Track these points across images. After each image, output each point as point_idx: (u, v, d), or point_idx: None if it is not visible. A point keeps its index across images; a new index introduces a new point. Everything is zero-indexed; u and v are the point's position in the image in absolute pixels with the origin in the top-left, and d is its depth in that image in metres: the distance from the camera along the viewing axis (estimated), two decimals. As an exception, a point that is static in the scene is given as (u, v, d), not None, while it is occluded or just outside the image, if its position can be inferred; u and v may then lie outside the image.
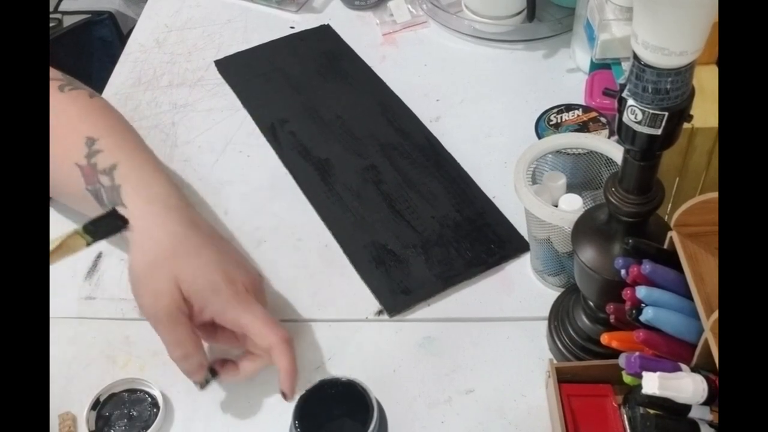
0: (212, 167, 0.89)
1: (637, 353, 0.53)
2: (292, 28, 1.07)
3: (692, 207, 0.55)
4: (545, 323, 0.71)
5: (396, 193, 0.83)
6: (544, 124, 0.80)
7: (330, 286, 0.76)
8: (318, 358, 0.70)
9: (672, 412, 0.51)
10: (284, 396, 0.63)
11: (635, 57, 0.49)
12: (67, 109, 0.73)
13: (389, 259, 0.77)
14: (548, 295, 0.73)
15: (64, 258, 0.71)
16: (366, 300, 0.75)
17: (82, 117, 0.73)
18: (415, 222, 0.80)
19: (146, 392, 0.68)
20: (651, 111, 0.50)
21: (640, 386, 0.51)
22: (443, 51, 1.02)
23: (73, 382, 0.70)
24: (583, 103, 0.84)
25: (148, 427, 0.65)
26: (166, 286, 0.63)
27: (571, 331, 0.67)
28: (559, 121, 0.80)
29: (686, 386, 0.50)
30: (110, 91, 0.99)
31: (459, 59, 1.01)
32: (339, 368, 0.70)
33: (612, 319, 0.58)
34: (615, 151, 0.69)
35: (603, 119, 0.79)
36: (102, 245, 0.79)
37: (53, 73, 0.76)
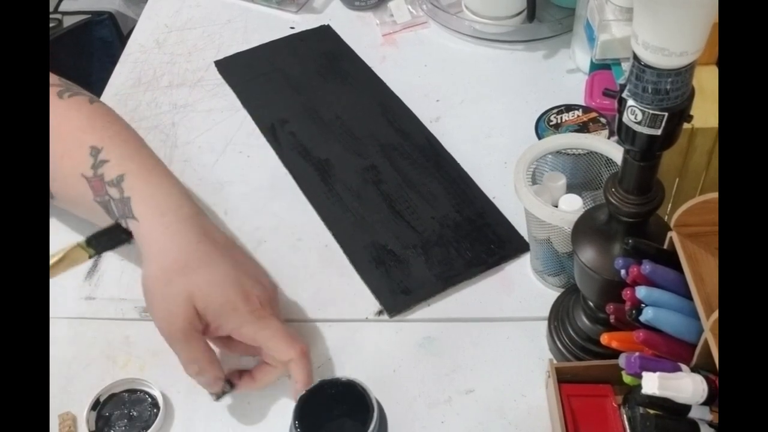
0: (212, 167, 0.89)
1: (637, 353, 0.53)
2: (292, 28, 1.07)
3: (692, 207, 0.55)
4: (545, 323, 0.71)
5: (396, 193, 0.83)
6: (544, 125, 0.80)
7: (330, 286, 0.76)
8: (318, 358, 0.70)
9: (672, 412, 0.51)
10: None
11: (635, 57, 0.49)
12: (68, 118, 0.71)
13: (389, 259, 0.77)
14: (548, 295, 0.73)
15: (67, 270, 0.72)
16: (366, 300, 0.75)
17: (84, 125, 0.71)
18: (415, 222, 0.80)
19: (146, 392, 0.68)
20: (651, 111, 0.50)
21: (640, 386, 0.51)
22: (443, 51, 1.02)
23: (73, 382, 0.70)
24: (583, 104, 0.84)
25: (148, 427, 0.65)
26: (180, 305, 0.63)
27: (571, 331, 0.67)
28: (559, 121, 0.80)
29: (686, 386, 0.50)
30: (110, 92, 0.99)
31: (459, 60, 1.01)
32: (339, 368, 0.70)
33: (612, 319, 0.58)
34: (615, 152, 0.69)
35: (603, 120, 0.79)
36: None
37: (52, 78, 0.75)
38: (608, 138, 0.76)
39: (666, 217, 0.68)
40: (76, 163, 0.69)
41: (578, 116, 0.80)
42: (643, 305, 0.54)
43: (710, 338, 0.50)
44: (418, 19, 1.06)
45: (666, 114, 0.50)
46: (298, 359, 0.64)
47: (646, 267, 0.54)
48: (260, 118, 0.93)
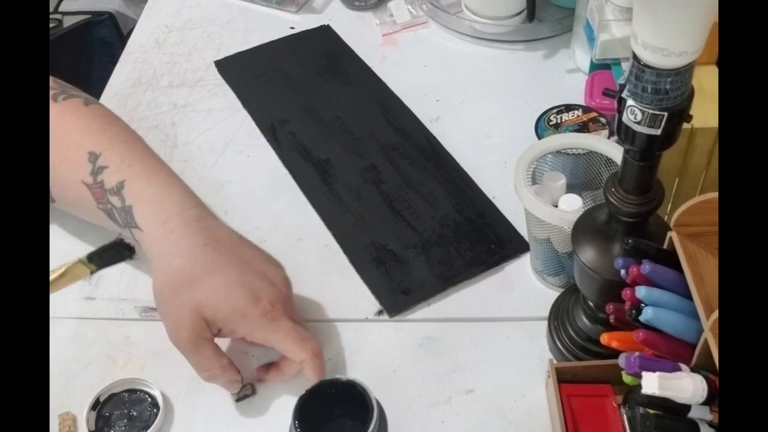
0: (212, 167, 0.89)
1: (636, 353, 0.53)
2: (292, 28, 1.07)
3: (692, 207, 0.55)
4: (545, 323, 0.71)
5: (396, 193, 0.83)
6: (544, 125, 0.80)
7: (330, 286, 0.76)
8: (318, 358, 0.70)
9: (672, 412, 0.51)
10: None
11: (635, 57, 0.49)
12: (63, 121, 0.70)
13: (389, 259, 0.77)
14: (548, 295, 0.73)
15: (67, 286, 0.72)
16: (366, 300, 0.75)
17: (81, 129, 0.70)
18: (415, 222, 0.80)
19: (146, 392, 0.68)
20: (651, 111, 0.50)
21: (640, 386, 0.51)
22: (443, 51, 1.02)
23: (73, 382, 0.70)
24: (583, 104, 0.84)
25: (148, 427, 0.65)
26: (187, 315, 0.63)
27: (571, 331, 0.67)
28: (559, 121, 0.80)
29: (686, 386, 0.50)
30: (110, 92, 0.99)
31: (459, 60, 1.01)
32: (339, 368, 0.70)
33: (612, 319, 0.58)
34: (615, 151, 0.69)
35: (603, 119, 0.80)
36: (99, 243, 0.79)
37: None
38: (608, 138, 0.76)
39: (666, 217, 0.68)
40: (75, 168, 0.69)
41: (578, 116, 0.80)
42: (643, 305, 0.54)
43: (710, 338, 0.50)
44: (418, 19, 1.06)
45: (666, 114, 0.50)
46: (309, 360, 0.64)
47: (646, 267, 0.54)
48: (260, 118, 0.93)
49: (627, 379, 0.55)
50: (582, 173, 0.74)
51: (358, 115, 0.93)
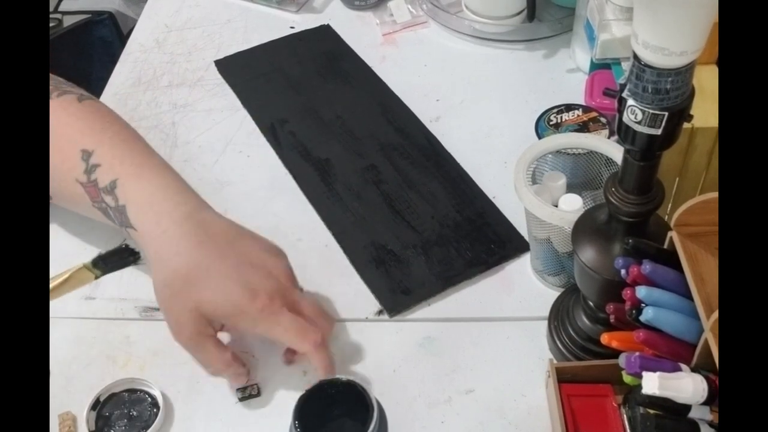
0: (212, 167, 0.89)
1: (637, 353, 0.53)
2: (292, 28, 1.07)
3: (692, 207, 0.55)
4: (545, 323, 0.71)
5: (396, 193, 0.83)
6: (544, 124, 0.80)
7: (330, 286, 0.76)
8: (318, 358, 0.70)
9: (672, 412, 0.51)
10: None
11: (635, 57, 0.49)
12: (56, 117, 0.70)
13: (389, 259, 0.77)
14: (548, 295, 0.73)
15: (72, 291, 0.73)
16: (366, 300, 0.74)
17: (74, 126, 0.70)
18: (415, 222, 0.80)
19: (146, 392, 0.68)
20: (651, 111, 0.50)
21: (640, 386, 0.51)
22: (443, 51, 1.02)
23: (73, 382, 0.69)
24: (583, 103, 0.84)
25: (148, 427, 0.65)
26: (188, 314, 0.63)
27: (571, 331, 0.67)
28: (559, 121, 0.80)
29: (686, 386, 0.50)
30: (110, 91, 0.99)
31: (459, 59, 1.01)
32: (339, 368, 0.69)
33: (612, 319, 0.58)
34: (615, 151, 0.69)
35: (603, 119, 0.79)
36: (102, 245, 0.79)
37: None
38: (608, 138, 0.76)
39: (666, 217, 0.68)
40: (69, 166, 0.69)
41: (578, 116, 0.80)
42: (643, 305, 0.54)
43: (710, 338, 0.50)
44: (418, 18, 1.06)
45: (666, 114, 0.50)
46: (312, 351, 0.64)
47: (646, 267, 0.54)
48: (260, 118, 0.93)
49: (627, 379, 0.55)
50: (582, 173, 0.74)
51: (358, 115, 0.93)
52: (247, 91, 0.97)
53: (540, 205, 0.66)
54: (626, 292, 0.55)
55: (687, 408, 0.51)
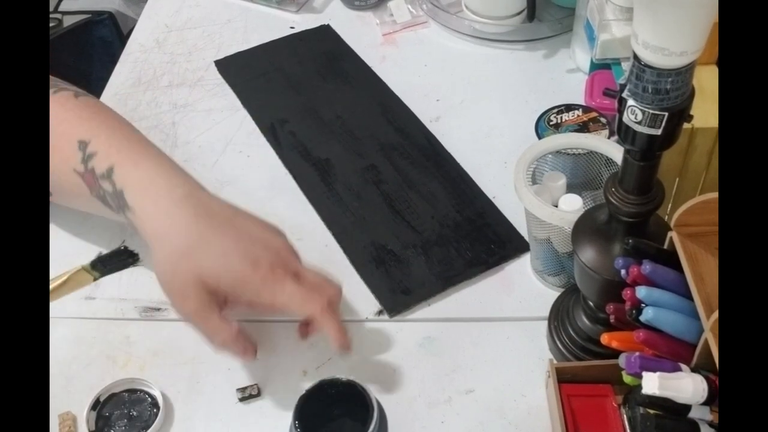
0: (212, 167, 0.89)
1: (637, 353, 0.53)
2: (292, 28, 1.07)
3: (692, 207, 0.55)
4: (545, 323, 0.71)
5: (396, 193, 0.83)
6: (544, 125, 0.80)
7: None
8: (318, 358, 0.70)
9: (672, 412, 0.51)
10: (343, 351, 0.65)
11: (635, 57, 0.49)
12: (55, 114, 0.71)
13: (389, 259, 0.77)
14: (548, 295, 0.73)
15: (70, 293, 0.73)
16: (366, 300, 0.75)
17: (71, 119, 0.71)
18: (415, 222, 0.80)
19: (146, 392, 0.68)
20: (651, 111, 0.50)
21: (640, 386, 0.51)
22: (443, 51, 1.02)
23: (73, 382, 0.70)
24: (583, 104, 0.84)
25: (148, 427, 0.65)
26: (191, 287, 0.63)
27: (571, 331, 0.67)
28: (559, 121, 0.80)
29: (686, 386, 0.50)
30: (110, 91, 0.99)
31: (459, 59, 1.01)
32: (339, 368, 0.70)
33: (612, 319, 0.58)
34: (615, 151, 0.69)
35: (603, 119, 0.79)
36: (102, 245, 0.79)
37: None
38: (608, 138, 0.76)
39: (666, 217, 0.68)
40: (66, 157, 0.69)
41: (578, 116, 0.80)
42: (643, 305, 0.54)
43: (710, 338, 0.50)
44: (418, 18, 1.06)
45: (666, 114, 0.50)
46: (319, 317, 0.64)
47: (646, 267, 0.54)
48: (260, 118, 0.93)
49: (627, 379, 0.55)
50: (582, 173, 0.74)
51: (358, 115, 0.93)
52: (247, 91, 0.97)
53: (540, 205, 0.66)
54: (626, 292, 0.55)
55: (687, 408, 0.51)
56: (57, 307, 0.75)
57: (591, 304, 0.65)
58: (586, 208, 0.65)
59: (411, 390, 0.68)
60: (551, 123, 0.80)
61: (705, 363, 0.52)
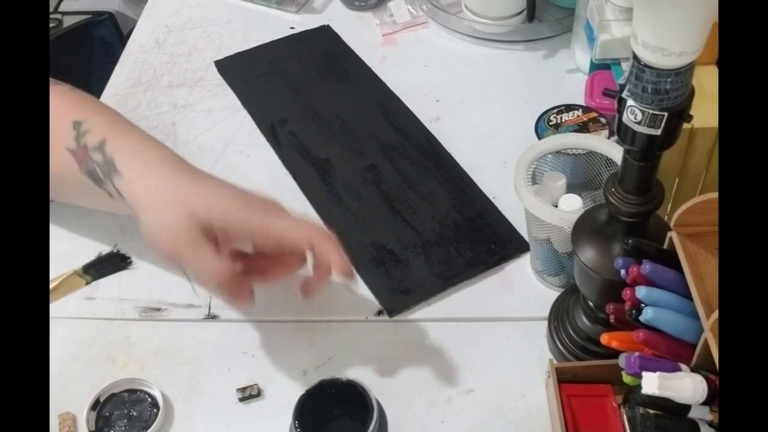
0: (212, 167, 0.88)
1: (637, 353, 0.53)
2: (292, 28, 1.07)
3: (692, 207, 0.55)
4: (545, 323, 0.71)
5: (396, 193, 0.83)
6: (544, 125, 0.80)
7: (330, 286, 0.76)
8: (318, 358, 0.70)
9: (672, 412, 0.51)
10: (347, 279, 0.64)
11: (635, 57, 0.49)
12: (53, 104, 0.71)
13: (389, 259, 0.77)
14: (548, 295, 0.73)
15: (63, 297, 0.73)
16: (366, 300, 0.75)
17: (66, 103, 0.72)
18: (415, 222, 0.80)
19: (146, 392, 0.68)
20: (651, 111, 0.50)
21: (640, 386, 0.51)
22: (443, 51, 1.02)
23: (73, 382, 0.70)
24: (583, 104, 0.84)
25: (148, 427, 0.65)
26: (182, 220, 0.62)
27: (571, 331, 0.67)
28: (559, 121, 0.80)
29: (686, 386, 0.50)
30: (110, 92, 0.99)
31: (459, 60, 1.01)
32: (339, 368, 0.70)
33: (612, 319, 0.58)
34: (615, 151, 0.69)
35: (603, 119, 0.80)
36: (101, 245, 0.79)
37: None
38: (608, 138, 0.76)
39: (666, 217, 0.68)
40: (61, 138, 0.69)
41: (578, 116, 0.80)
42: (643, 305, 0.54)
43: (710, 338, 0.50)
44: (418, 19, 1.06)
45: (666, 114, 0.50)
46: (320, 240, 0.63)
47: (646, 267, 0.54)
48: (260, 118, 0.93)
49: (627, 379, 0.55)
50: (582, 173, 0.74)
51: (358, 115, 0.93)
52: (247, 91, 0.97)
53: (540, 206, 0.66)
54: (626, 292, 0.55)
55: (687, 408, 0.51)
56: (57, 307, 0.75)
57: (591, 304, 0.65)
58: (586, 208, 0.65)
59: (411, 390, 0.68)
60: (551, 123, 0.80)
61: (705, 363, 0.52)
